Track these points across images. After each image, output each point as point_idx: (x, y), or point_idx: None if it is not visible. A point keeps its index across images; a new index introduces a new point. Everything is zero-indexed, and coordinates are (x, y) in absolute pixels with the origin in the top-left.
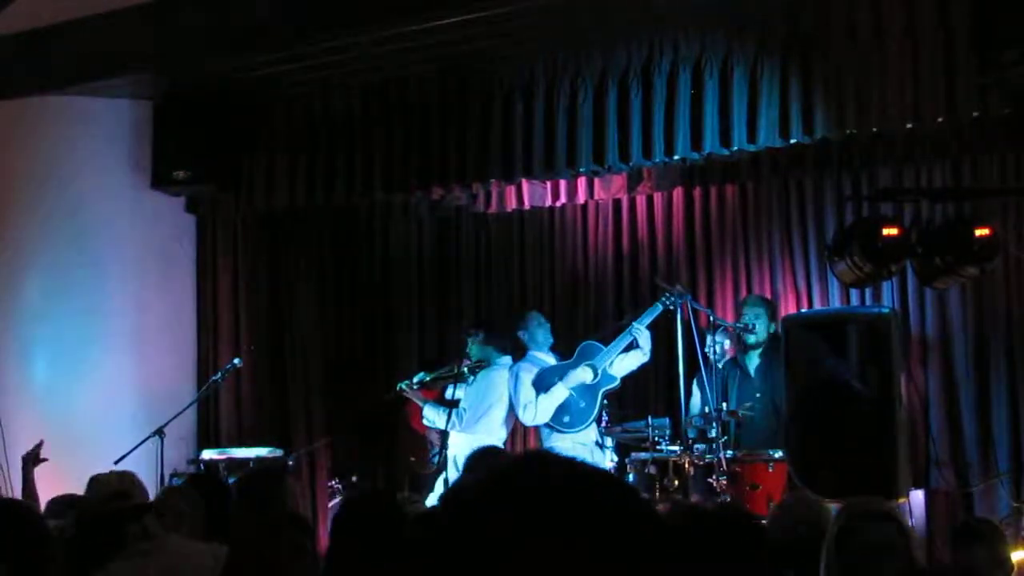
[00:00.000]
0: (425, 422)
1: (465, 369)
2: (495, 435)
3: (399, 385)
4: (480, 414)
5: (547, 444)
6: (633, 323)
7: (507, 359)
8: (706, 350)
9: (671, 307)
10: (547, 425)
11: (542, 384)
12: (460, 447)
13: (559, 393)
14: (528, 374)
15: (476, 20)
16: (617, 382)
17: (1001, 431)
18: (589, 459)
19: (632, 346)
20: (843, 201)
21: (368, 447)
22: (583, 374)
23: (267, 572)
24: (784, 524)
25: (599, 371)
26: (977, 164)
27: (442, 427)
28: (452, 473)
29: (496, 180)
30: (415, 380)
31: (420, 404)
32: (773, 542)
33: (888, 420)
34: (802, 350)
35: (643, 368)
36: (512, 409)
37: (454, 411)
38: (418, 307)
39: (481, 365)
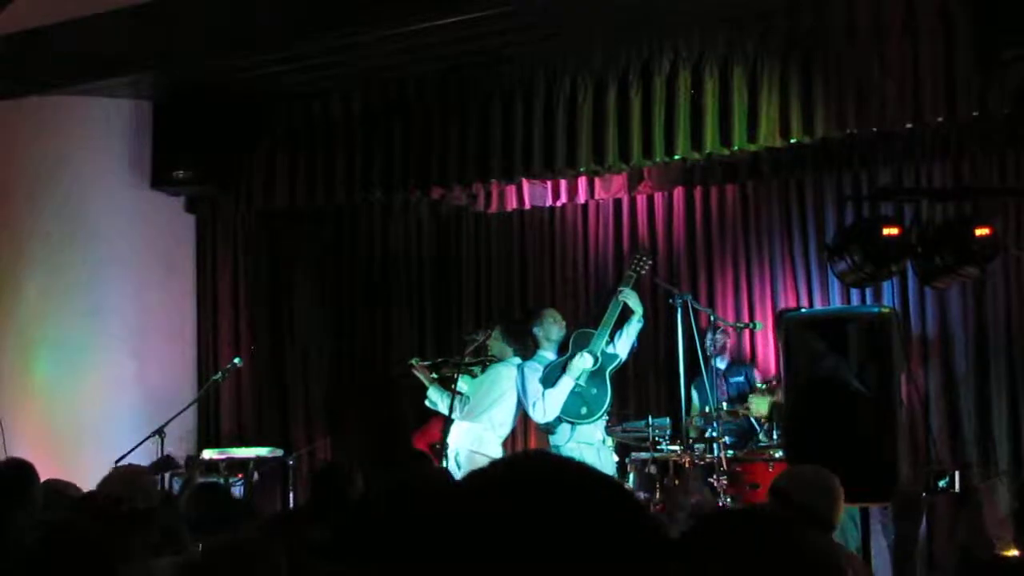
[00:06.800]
0: (427, 403)
1: (483, 361)
2: (496, 431)
3: (410, 360)
4: (484, 407)
5: (556, 443)
6: (618, 288)
7: (517, 359)
8: (706, 348)
9: (643, 271)
10: (564, 420)
11: (548, 381)
12: (461, 440)
13: (565, 385)
14: (534, 372)
15: (476, 20)
16: (621, 359)
17: (1001, 431)
18: (595, 458)
19: (625, 318)
20: (843, 201)
21: (371, 415)
22: (583, 362)
23: None
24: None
25: (598, 354)
26: (977, 164)
27: (444, 412)
28: (451, 466)
29: (496, 180)
30: (428, 363)
31: (427, 383)
32: None
33: (888, 420)
34: (802, 350)
35: (639, 343)
36: (518, 407)
37: (457, 398)
38: (418, 307)
39: (494, 359)
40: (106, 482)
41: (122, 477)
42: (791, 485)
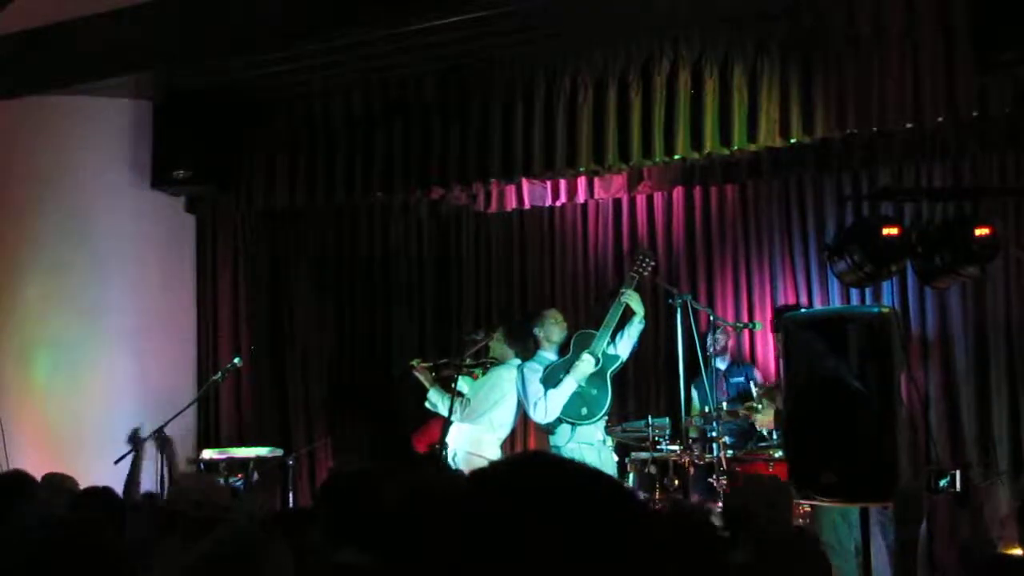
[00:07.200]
0: (427, 404)
1: (485, 363)
2: (496, 432)
3: (411, 362)
4: (485, 409)
5: (556, 443)
6: (621, 289)
7: (517, 360)
8: (706, 349)
9: (646, 272)
10: (564, 420)
11: (550, 381)
12: (459, 442)
13: (568, 386)
14: (534, 373)
15: (476, 20)
16: (622, 360)
17: (1001, 431)
18: (595, 458)
19: (626, 319)
20: (843, 201)
21: (371, 414)
22: (587, 364)
23: None
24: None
25: (599, 355)
26: (977, 164)
27: (444, 414)
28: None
29: (496, 180)
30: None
31: (427, 385)
32: None
33: (888, 420)
34: (802, 350)
35: (639, 344)
36: (518, 409)
37: (456, 401)
38: (418, 307)
39: (495, 361)
40: (186, 491)
41: (200, 483)
42: (743, 497)
